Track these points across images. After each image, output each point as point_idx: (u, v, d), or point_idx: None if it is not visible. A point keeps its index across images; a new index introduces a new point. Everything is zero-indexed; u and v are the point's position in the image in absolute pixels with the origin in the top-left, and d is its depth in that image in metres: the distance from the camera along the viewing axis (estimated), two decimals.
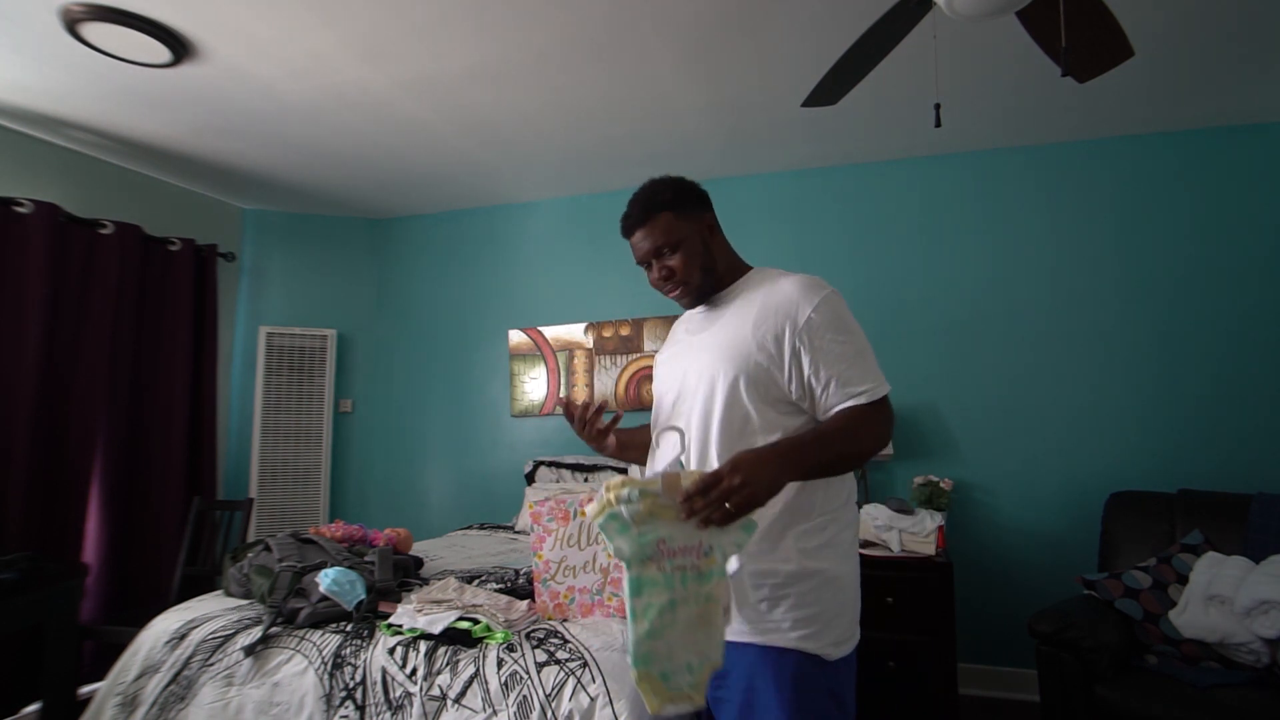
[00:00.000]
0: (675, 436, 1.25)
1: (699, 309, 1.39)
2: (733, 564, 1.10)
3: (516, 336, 3.77)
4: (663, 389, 1.37)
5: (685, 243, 1.31)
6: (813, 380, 1.21)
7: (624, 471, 3.28)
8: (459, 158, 3.20)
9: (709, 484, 1.02)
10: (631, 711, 1.39)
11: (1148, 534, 2.50)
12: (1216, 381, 2.80)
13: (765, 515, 1.18)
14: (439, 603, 1.77)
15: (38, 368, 2.70)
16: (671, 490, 1.04)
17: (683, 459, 1.24)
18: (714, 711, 1.28)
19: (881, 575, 2.51)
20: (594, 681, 1.45)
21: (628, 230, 1.35)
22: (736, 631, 1.21)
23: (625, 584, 1.06)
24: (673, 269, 1.31)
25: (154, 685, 1.73)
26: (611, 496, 1.04)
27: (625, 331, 3.59)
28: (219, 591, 2.11)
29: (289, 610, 1.80)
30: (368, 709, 1.57)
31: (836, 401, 1.20)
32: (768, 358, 1.21)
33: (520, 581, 1.96)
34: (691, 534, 1.05)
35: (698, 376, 1.27)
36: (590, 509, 1.08)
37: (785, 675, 1.17)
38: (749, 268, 1.39)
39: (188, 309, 3.34)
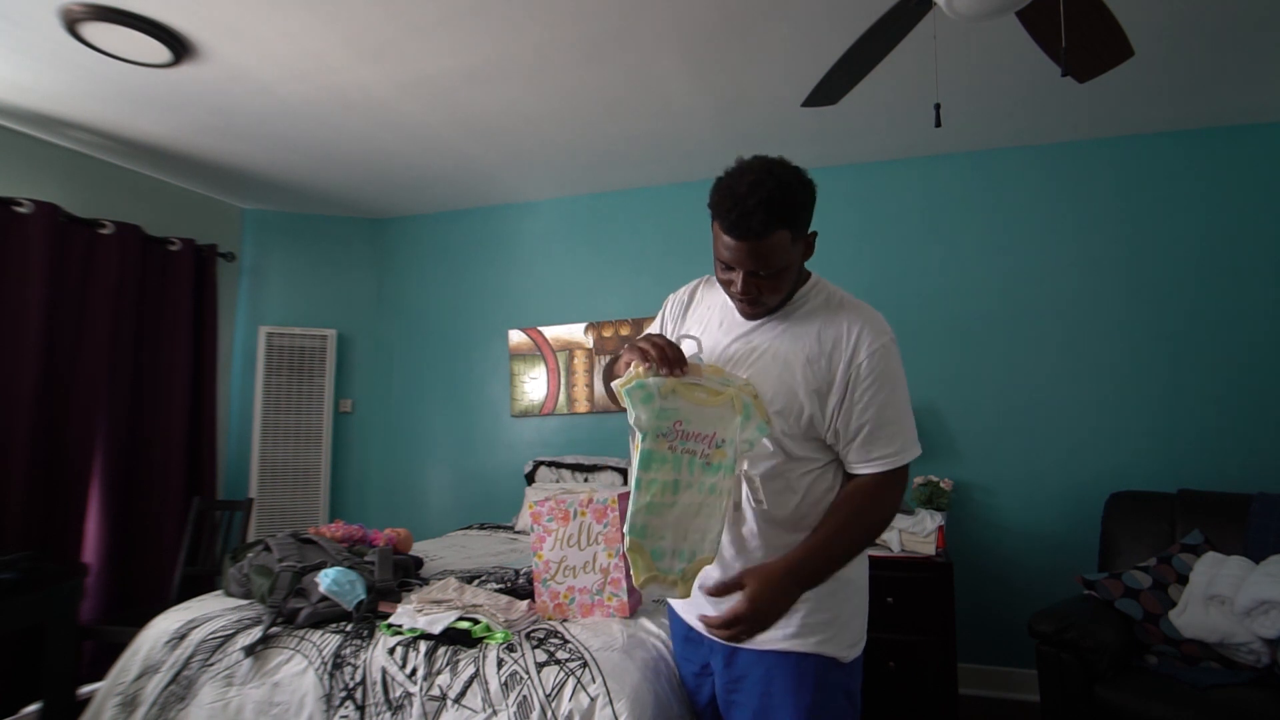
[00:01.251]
0: (692, 344, 1.27)
1: None
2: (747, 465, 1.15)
3: (516, 336, 3.77)
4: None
5: (789, 268, 1.15)
6: (840, 426, 1.17)
7: (623, 472, 3.28)
8: (459, 158, 3.20)
9: (729, 623, 1.07)
10: (631, 711, 1.39)
11: (1148, 534, 2.49)
12: (1217, 381, 2.80)
13: (792, 527, 1.19)
14: (439, 603, 1.77)
15: (38, 368, 2.70)
16: (694, 373, 1.13)
17: (700, 357, 1.25)
18: (725, 714, 1.28)
19: (881, 575, 2.51)
20: (594, 681, 1.45)
21: (740, 233, 1.09)
22: (755, 639, 1.19)
23: (636, 457, 1.11)
24: (764, 290, 1.16)
25: (154, 685, 1.73)
26: (642, 369, 1.12)
27: (625, 331, 3.59)
28: (219, 591, 2.11)
29: (289, 610, 1.79)
30: (368, 709, 1.57)
31: (856, 460, 1.18)
32: (814, 403, 1.17)
33: (520, 581, 1.96)
34: (707, 421, 1.11)
35: None
36: (617, 383, 1.14)
37: (805, 679, 1.17)
38: (809, 275, 1.28)
39: (188, 309, 3.34)
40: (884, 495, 1.18)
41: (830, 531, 1.15)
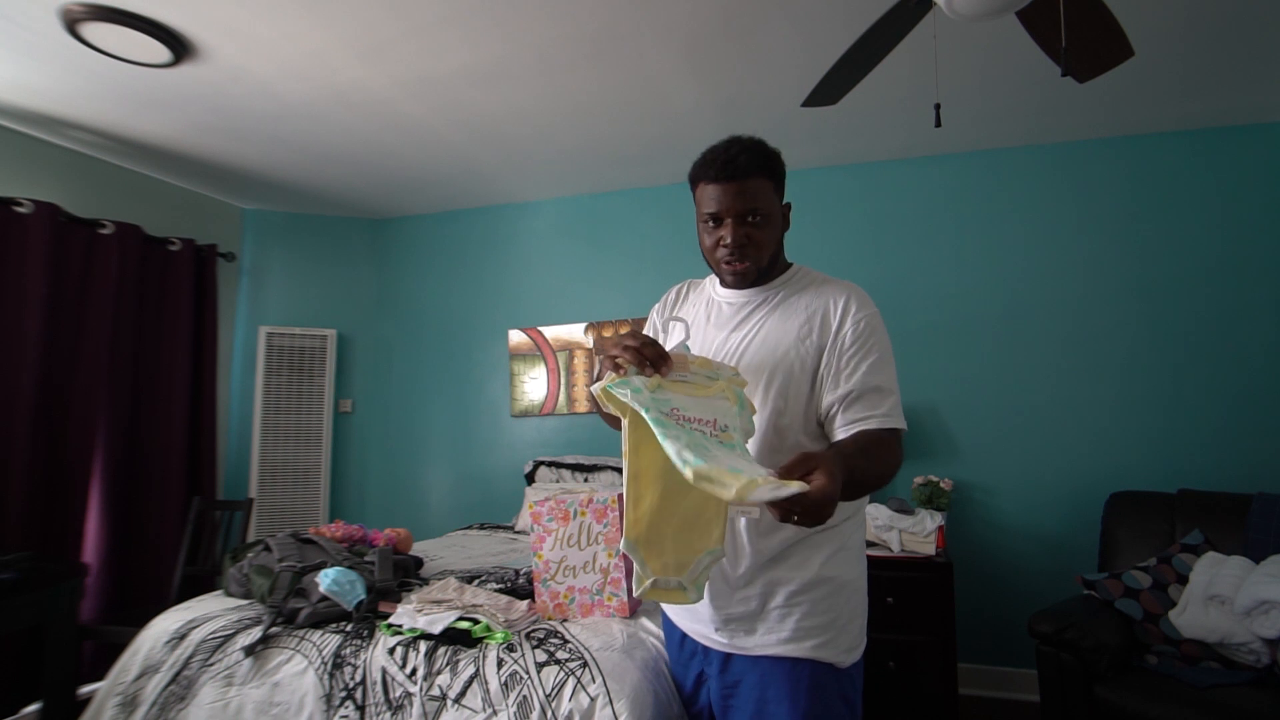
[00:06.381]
0: (681, 326, 1.26)
1: (725, 297, 1.31)
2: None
3: (516, 336, 3.77)
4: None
5: (773, 219, 1.22)
6: (828, 391, 1.16)
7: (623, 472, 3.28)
8: (459, 158, 3.20)
9: (796, 501, 0.83)
10: (631, 711, 1.39)
11: (1148, 534, 2.50)
12: (1217, 381, 2.80)
13: (784, 526, 1.07)
14: (439, 603, 1.77)
15: (37, 367, 2.70)
16: (680, 366, 1.04)
17: (688, 344, 1.20)
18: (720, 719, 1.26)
19: (881, 575, 2.51)
20: (594, 681, 1.45)
21: (728, 175, 1.16)
22: (749, 644, 1.18)
23: (650, 423, 0.92)
24: (753, 240, 1.19)
25: (154, 685, 1.73)
26: (620, 375, 1.02)
27: (625, 331, 3.58)
28: (219, 591, 2.11)
29: (289, 610, 1.79)
30: (368, 709, 1.57)
31: (854, 417, 1.13)
32: (809, 375, 1.17)
33: (520, 581, 1.96)
34: (705, 408, 1.01)
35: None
36: (597, 386, 1.01)
37: (800, 686, 1.15)
38: (789, 264, 1.31)
39: (188, 309, 3.34)
40: (894, 444, 1.12)
41: (864, 444, 1.08)
